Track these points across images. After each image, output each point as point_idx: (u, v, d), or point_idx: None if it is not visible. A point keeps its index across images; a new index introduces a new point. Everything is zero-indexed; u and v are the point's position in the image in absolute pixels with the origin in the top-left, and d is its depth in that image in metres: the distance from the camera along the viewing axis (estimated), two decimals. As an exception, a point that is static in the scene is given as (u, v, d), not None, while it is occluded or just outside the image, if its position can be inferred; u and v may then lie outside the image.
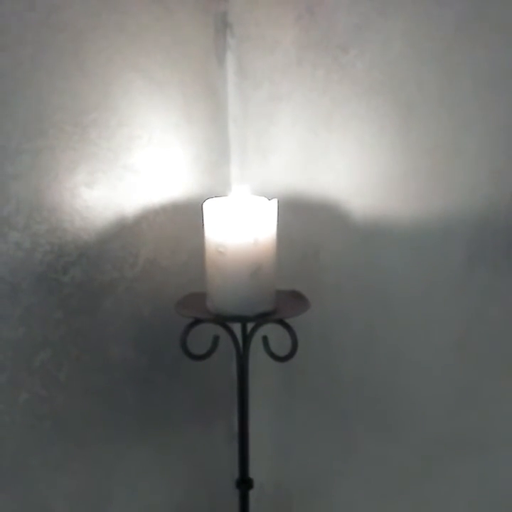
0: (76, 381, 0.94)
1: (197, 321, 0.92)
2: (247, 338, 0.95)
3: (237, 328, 0.95)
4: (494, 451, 0.96)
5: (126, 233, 0.97)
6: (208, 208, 0.91)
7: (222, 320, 0.92)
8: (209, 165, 1.09)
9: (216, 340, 0.95)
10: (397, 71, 0.94)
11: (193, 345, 0.92)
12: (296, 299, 0.97)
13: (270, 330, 0.94)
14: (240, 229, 0.88)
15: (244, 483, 1.01)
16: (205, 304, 0.93)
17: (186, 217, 1.04)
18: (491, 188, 0.89)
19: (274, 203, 0.91)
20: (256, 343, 0.94)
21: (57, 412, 0.92)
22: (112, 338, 0.98)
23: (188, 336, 0.92)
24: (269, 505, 1.22)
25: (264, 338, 0.95)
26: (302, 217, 1.07)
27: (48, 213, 0.88)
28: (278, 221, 0.92)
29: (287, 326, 0.91)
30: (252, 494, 1.03)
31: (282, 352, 0.93)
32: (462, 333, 0.96)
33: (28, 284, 0.87)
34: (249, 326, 0.95)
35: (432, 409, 1.00)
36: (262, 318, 0.91)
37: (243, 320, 0.93)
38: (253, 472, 1.02)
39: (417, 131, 0.94)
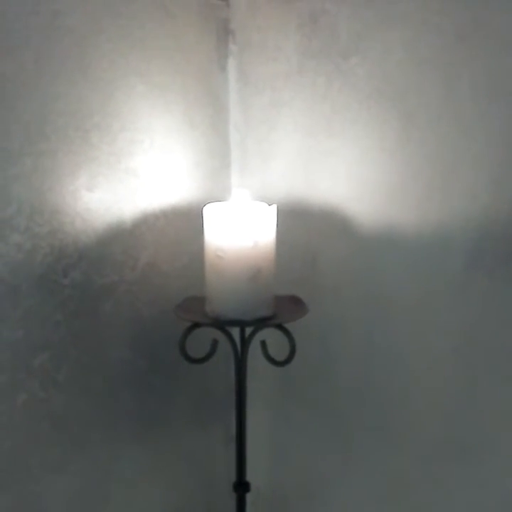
0: (75, 383, 0.94)
1: (196, 325, 0.93)
2: (245, 342, 0.95)
3: (235, 332, 0.95)
4: (492, 458, 0.96)
5: (126, 236, 0.98)
6: (208, 212, 0.91)
7: (221, 324, 0.92)
8: (210, 170, 1.09)
9: (215, 344, 0.95)
10: (397, 79, 0.95)
11: (192, 349, 0.93)
12: (294, 304, 0.97)
13: (269, 334, 0.94)
14: (239, 233, 0.89)
15: (241, 487, 1.01)
16: (204, 308, 0.94)
17: (186, 221, 1.05)
18: (489, 197, 0.90)
19: (274, 208, 0.92)
20: (254, 347, 0.95)
21: (55, 414, 0.92)
22: (111, 340, 0.98)
23: (187, 340, 0.92)
24: (265, 509, 1.22)
25: (263, 343, 0.95)
26: (301, 223, 1.07)
27: (49, 215, 0.88)
28: (277, 227, 0.93)
29: (286, 331, 0.92)
30: (249, 497, 1.03)
31: (281, 356, 0.93)
32: (460, 340, 0.96)
33: (28, 286, 0.87)
34: (248, 330, 0.95)
35: (430, 415, 1.00)
36: (261, 322, 0.92)
37: (242, 324, 0.93)
38: (250, 475, 1.02)
39: (416, 139, 0.94)
